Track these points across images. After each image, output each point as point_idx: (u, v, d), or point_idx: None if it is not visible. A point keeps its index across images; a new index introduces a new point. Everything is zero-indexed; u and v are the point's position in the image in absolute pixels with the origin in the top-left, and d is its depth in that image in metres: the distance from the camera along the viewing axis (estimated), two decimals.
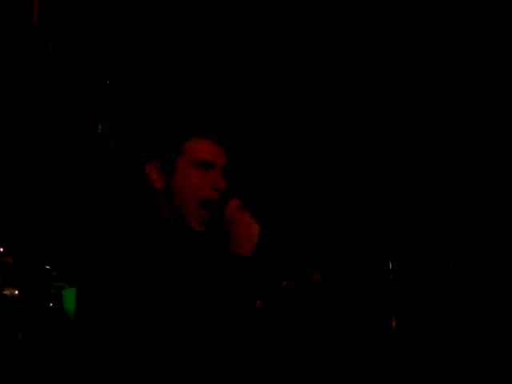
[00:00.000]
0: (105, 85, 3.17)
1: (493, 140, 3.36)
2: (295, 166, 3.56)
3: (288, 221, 3.31)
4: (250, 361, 1.76)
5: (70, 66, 3.12)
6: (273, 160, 3.53)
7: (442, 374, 3.20)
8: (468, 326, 3.22)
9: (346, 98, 3.53)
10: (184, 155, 1.84)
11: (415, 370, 3.24)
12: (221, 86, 3.44)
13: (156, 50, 3.36)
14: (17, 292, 2.20)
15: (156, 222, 1.80)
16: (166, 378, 1.66)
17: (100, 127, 3.08)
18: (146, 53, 3.34)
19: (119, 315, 1.67)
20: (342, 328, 3.22)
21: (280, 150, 3.53)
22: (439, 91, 3.42)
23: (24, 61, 3.03)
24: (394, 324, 3.25)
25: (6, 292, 2.21)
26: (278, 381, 2.90)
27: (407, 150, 3.51)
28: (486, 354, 3.15)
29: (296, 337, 2.99)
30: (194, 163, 1.85)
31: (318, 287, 3.09)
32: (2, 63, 3.00)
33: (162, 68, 3.35)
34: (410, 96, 3.46)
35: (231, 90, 3.46)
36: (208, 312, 1.68)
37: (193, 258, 1.77)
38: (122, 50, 3.29)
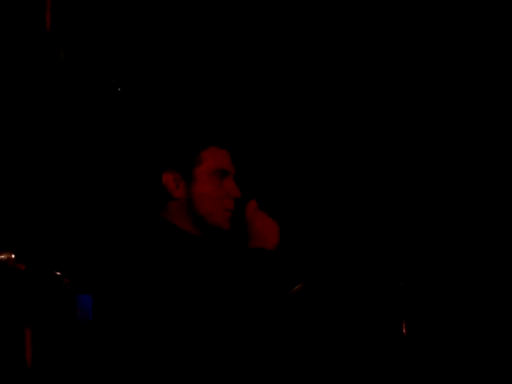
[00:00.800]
0: (116, 92, 3.18)
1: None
2: (302, 170, 3.56)
3: (298, 220, 3.31)
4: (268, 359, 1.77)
5: (82, 75, 3.14)
6: (282, 166, 3.53)
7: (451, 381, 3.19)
8: (477, 332, 3.21)
9: (358, 105, 3.53)
10: (202, 164, 1.87)
11: (425, 376, 3.23)
12: (231, 95, 3.45)
13: (171, 58, 3.37)
14: (27, 297, 2.20)
15: (173, 232, 1.82)
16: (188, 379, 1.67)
17: (111, 133, 3.08)
18: (160, 60, 3.35)
19: (138, 323, 1.68)
20: (351, 333, 3.21)
21: (289, 157, 3.53)
22: (440, 92, 3.42)
23: (36, 69, 3.04)
24: (404, 331, 3.24)
25: (17, 299, 2.21)
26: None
27: (418, 160, 3.50)
28: (495, 360, 3.13)
29: (306, 341, 2.99)
30: (211, 172, 1.87)
31: (329, 292, 3.09)
32: (15, 71, 3.01)
33: (175, 78, 3.36)
34: (416, 98, 3.46)
35: (239, 98, 3.47)
36: (236, 310, 1.69)
37: (214, 269, 1.79)
38: (135, 57, 3.30)
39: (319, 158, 3.57)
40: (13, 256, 2.10)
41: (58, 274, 2.70)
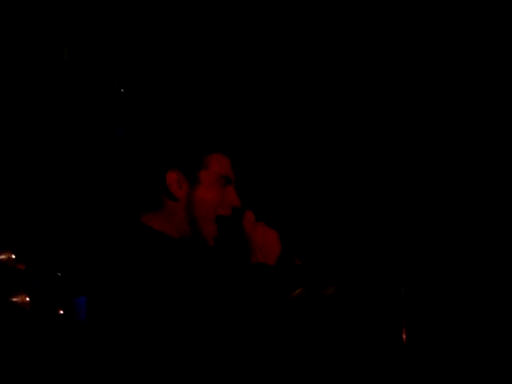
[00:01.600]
0: (120, 93, 3.18)
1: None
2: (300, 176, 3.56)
3: (296, 229, 3.31)
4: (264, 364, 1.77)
5: (86, 75, 3.14)
6: (277, 173, 3.53)
7: None
8: (477, 336, 3.21)
9: (361, 111, 3.53)
10: (207, 168, 1.86)
11: (425, 381, 3.22)
12: (234, 103, 3.45)
13: (179, 59, 3.38)
14: (28, 299, 2.21)
15: (153, 236, 1.81)
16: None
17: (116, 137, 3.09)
18: (172, 60, 3.35)
19: (133, 324, 1.67)
20: (351, 339, 3.21)
21: (287, 166, 3.54)
22: (440, 93, 3.42)
23: (40, 69, 3.05)
24: (404, 336, 3.24)
25: (17, 299, 2.22)
26: None
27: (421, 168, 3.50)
28: (496, 364, 3.13)
29: (305, 346, 2.99)
30: (216, 177, 1.87)
31: (329, 299, 3.09)
32: (18, 71, 3.02)
33: (185, 79, 3.37)
34: (418, 101, 3.46)
35: (240, 106, 3.48)
36: (237, 323, 1.69)
37: (206, 272, 1.78)
38: (140, 57, 3.31)
39: (315, 164, 3.57)
40: (13, 256, 2.10)
41: (59, 274, 2.71)
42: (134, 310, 1.66)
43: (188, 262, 1.78)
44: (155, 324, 1.65)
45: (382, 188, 3.51)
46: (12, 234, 2.74)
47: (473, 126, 3.40)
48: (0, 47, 2.95)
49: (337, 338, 3.10)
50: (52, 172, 3.08)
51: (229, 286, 1.74)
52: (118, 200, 2.96)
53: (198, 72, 3.41)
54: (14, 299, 2.17)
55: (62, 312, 2.66)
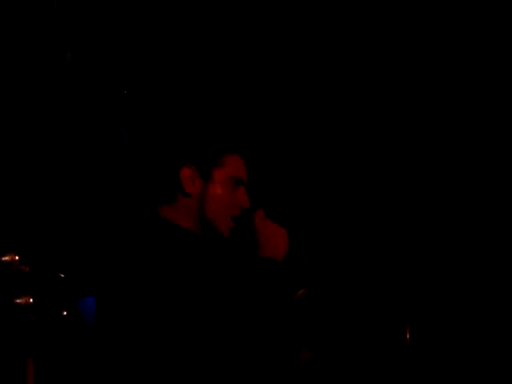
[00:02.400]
0: (123, 94, 3.19)
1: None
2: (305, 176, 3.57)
3: (300, 226, 3.31)
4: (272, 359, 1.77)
5: (89, 76, 3.14)
6: (286, 174, 3.54)
7: None
8: (480, 336, 3.21)
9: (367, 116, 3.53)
10: (222, 167, 1.88)
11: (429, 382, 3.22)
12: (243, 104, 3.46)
13: (189, 59, 3.38)
14: (31, 300, 2.20)
15: (175, 230, 1.82)
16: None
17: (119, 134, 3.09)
18: (177, 61, 3.36)
19: (143, 326, 1.68)
20: (354, 338, 3.21)
21: (293, 165, 3.54)
22: (439, 93, 3.42)
23: (42, 70, 3.05)
24: (408, 336, 3.23)
25: (21, 300, 2.22)
26: None
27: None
28: (498, 363, 3.13)
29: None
30: (229, 177, 1.88)
31: (333, 297, 3.09)
32: (21, 72, 3.02)
33: (200, 78, 3.37)
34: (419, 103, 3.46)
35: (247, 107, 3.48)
36: (243, 318, 1.70)
37: (219, 266, 1.79)
38: (148, 58, 3.31)
39: (323, 165, 3.57)
40: (17, 257, 2.11)
41: (62, 276, 2.71)
42: (150, 303, 1.67)
43: (200, 255, 1.79)
44: (169, 317, 1.66)
45: (390, 193, 3.51)
46: (15, 236, 2.74)
47: (473, 126, 3.40)
48: (2, 48, 2.96)
49: (339, 339, 3.10)
50: (56, 172, 3.08)
51: (236, 279, 1.76)
52: (123, 197, 2.97)
53: (214, 70, 3.42)
54: (18, 301, 2.17)
55: (65, 313, 2.66)
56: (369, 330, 3.26)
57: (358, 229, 3.51)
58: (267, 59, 3.46)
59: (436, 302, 3.36)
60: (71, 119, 3.08)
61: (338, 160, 3.55)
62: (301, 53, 3.47)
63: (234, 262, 1.88)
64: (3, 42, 2.96)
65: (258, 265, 1.79)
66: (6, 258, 2.04)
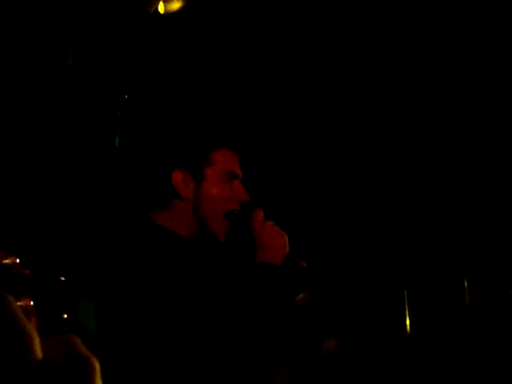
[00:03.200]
0: (123, 99, 3.19)
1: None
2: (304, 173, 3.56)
3: (301, 227, 3.31)
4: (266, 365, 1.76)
5: (89, 80, 3.15)
6: (286, 171, 3.53)
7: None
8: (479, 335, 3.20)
9: (364, 114, 3.53)
10: (212, 165, 1.86)
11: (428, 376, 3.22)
12: (241, 99, 3.45)
13: (186, 59, 3.38)
14: (32, 303, 2.20)
15: (163, 234, 1.81)
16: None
17: (117, 141, 3.10)
18: (171, 62, 3.36)
19: (142, 327, 1.67)
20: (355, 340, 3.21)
21: (293, 163, 3.54)
22: (440, 94, 3.42)
23: (44, 74, 3.05)
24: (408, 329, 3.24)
25: (21, 303, 2.22)
26: None
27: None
28: (497, 362, 3.13)
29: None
30: (222, 174, 1.86)
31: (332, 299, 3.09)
32: (23, 75, 3.02)
33: (188, 79, 3.37)
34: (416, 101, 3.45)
35: (248, 103, 3.48)
36: (244, 321, 1.69)
37: (216, 270, 1.78)
38: (144, 61, 3.31)
39: (323, 165, 3.58)
40: (17, 261, 2.10)
41: (63, 279, 2.71)
42: (145, 307, 1.66)
43: (196, 260, 1.78)
44: (164, 321, 1.65)
45: (388, 196, 3.51)
46: (16, 238, 2.74)
47: (472, 126, 3.40)
48: (5, 52, 2.96)
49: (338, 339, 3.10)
50: (56, 175, 3.09)
51: (234, 285, 1.74)
52: (121, 204, 2.97)
53: (199, 70, 3.42)
54: (18, 304, 2.17)
55: (65, 316, 2.66)
56: (369, 326, 3.27)
57: (357, 231, 3.51)
58: (254, 57, 3.46)
59: (434, 297, 3.36)
60: (70, 123, 3.09)
61: (337, 164, 3.56)
62: (287, 48, 3.46)
63: (230, 268, 1.86)
64: (5, 46, 2.96)
65: (255, 271, 1.77)
66: (7, 261, 2.03)
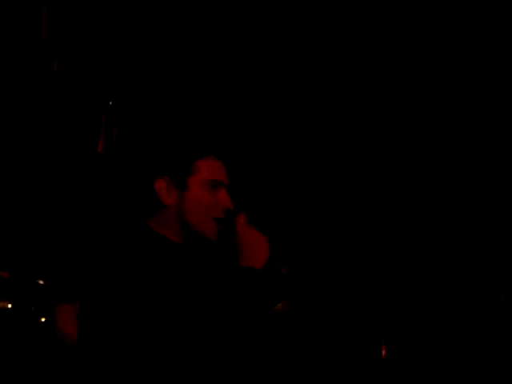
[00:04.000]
0: (107, 105, 3.20)
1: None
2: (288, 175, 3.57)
3: (286, 232, 3.32)
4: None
5: (75, 86, 3.15)
6: (273, 178, 3.54)
7: None
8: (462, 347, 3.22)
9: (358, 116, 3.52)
10: (196, 174, 1.87)
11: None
12: (226, 104, 3.46)
13: (167, 66, 3.38)
14: (10, 306, 2.21)
15: (156, 239, 1.83)
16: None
17: (100, 145, 3.11)
18: (156, 69, 3.36)
19: (125, 333, 1.68)
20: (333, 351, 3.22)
21: (280, 169, 3.54)
22: (439, 95, 3.42)
23: (29, 79, 3.06)
24: (384, 352, 3.25)
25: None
26: None
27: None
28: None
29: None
30: (205, 182, 1.88)
31: (312, 309, 3.10)
32: (8, 80, 3.03)
33: (172, 87, 3.37)
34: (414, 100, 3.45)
35: (233, 110, 3.48)
36: (224, 325, 1.71)
37: (202, 276, 1.80)
38: (129, 65, 3.31)
39: (310, 171, 3.57)
40: None
41: (41, 282, 2.72)
42: (133, 311, 1.68)
43: (184, 266, 1.80)
44: (152, 324, 1.67)
45: (372, 199, 3.51)
46: None
47: (472, 126, 3.40)
48: None
49: (319, 347, 3.11)
50: (39, 179, 3.09)
51: (218, 288, 1.76)
52: (114, 206, 2.97)
53: (185, 77, 3.43)
54: None
55: (43, 320, 2.67)
56: (346, 342, 3.28)
57: (341, 237, 3.51)
58: (240, 61, 3.47)
59: (412, 318, 3.38)
60: (56, 126, 3.09)
61: (323, 167, 3.56)
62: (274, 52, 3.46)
63: (215, 272, 1.88)
64: None
65: (236, 274, 1.79)
66: None
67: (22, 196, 3.07)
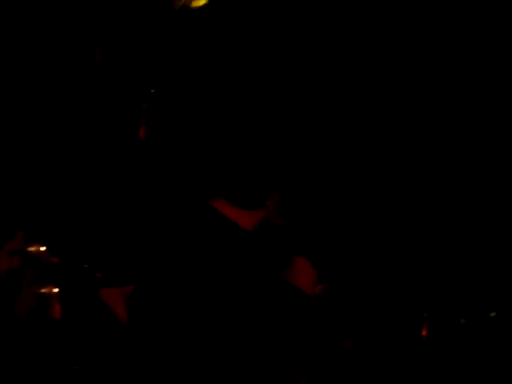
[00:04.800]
0: (150, 93, 3.23)
1: None
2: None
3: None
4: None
5: (117, 77, 3.19)
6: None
7: None
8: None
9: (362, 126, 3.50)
10: None
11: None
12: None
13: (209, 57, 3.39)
14: (56, 290, 2.26)
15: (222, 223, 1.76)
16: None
17: (141, 133, 3.14)
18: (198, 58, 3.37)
19: (174, 316, 1.67)
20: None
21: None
22: (439, 95, 3.39)
23: (74, 70, 3.11)
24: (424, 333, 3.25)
25: (46, 290, 2.28)
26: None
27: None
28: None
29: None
30: None
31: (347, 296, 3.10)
32: (53, 71, 3.08)
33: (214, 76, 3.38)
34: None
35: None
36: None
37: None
38: (168, 52, 3.32)
39: (319, 172, 3.56)
40: (43, 248, 2.14)
41: (88, 267, 2.76)
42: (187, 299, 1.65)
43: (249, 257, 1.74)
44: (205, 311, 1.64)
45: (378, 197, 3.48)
46: (42, 226, 2.79)
47: (472, 127, 3.38)
48: (33, 48, 3.02)
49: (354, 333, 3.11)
50: (84, 170, 3.14)
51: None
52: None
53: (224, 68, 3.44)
54: (43, 290, 2.23)
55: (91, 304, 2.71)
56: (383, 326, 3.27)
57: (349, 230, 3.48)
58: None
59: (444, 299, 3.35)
60: (97, 118, 3.13)
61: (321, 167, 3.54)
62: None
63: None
64: (34, 42, 3.02)
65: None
66: (33, 249, 2.09)
67: (71, 184, 3.11)
